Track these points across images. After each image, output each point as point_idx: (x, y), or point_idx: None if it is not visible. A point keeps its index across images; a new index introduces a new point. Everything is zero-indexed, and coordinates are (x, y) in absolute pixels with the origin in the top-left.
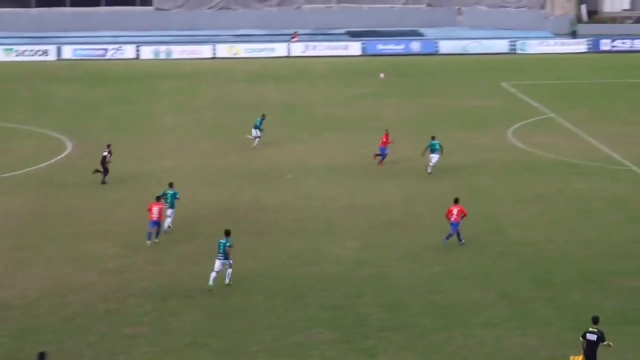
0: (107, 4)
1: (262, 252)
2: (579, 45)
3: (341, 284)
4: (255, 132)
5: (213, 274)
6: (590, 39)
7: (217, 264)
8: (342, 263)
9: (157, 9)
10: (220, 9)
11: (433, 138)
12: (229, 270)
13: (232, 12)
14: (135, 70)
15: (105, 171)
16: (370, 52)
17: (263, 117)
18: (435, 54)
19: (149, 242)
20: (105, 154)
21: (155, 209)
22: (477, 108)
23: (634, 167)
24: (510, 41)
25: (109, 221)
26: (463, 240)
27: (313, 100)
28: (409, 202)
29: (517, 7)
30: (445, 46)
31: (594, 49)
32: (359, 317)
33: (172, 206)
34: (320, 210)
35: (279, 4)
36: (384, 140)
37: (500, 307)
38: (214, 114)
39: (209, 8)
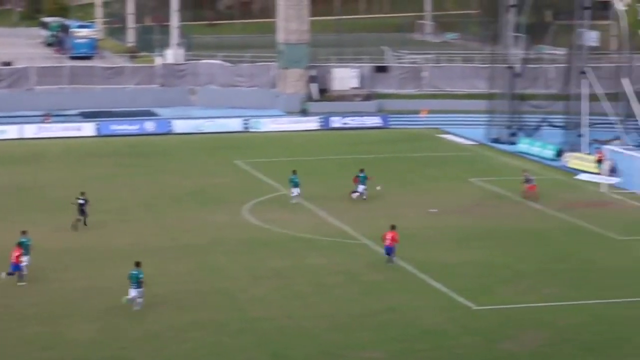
0: None
1: None
2: (311, 123)
3: None
4: None
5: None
6: (322, 116)
7: (132, 293)
8: (80, 347)
9: None
10: None
11: None
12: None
13: None
14: None
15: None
16: (104, 132)
17: None
18: (169, 133)
19: None
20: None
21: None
22: (211, 186)
23: (365, 241)
24: (244, 119)
25: None
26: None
27: (47, 182)
28: (146, 283)
29: (249, 86)
30: (179, 125)
31: (325, 126)
32: None
33: None
34: (57, 293)
35: (9, 86)
36: None
37: None
38: None
39: None
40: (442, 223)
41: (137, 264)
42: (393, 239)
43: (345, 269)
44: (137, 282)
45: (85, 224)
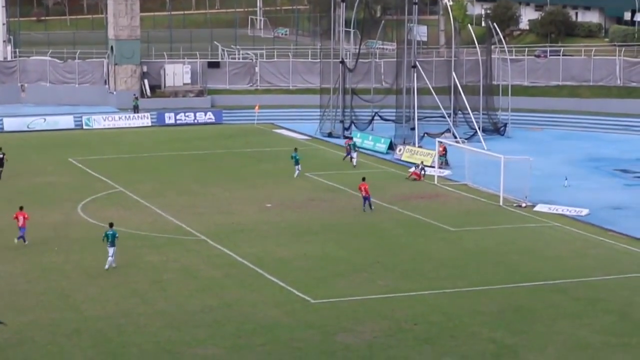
0: None
1: None
2: (144, 120)
3: None
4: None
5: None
6: (155, 113)
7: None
8: None
9: None
10: None
11: None
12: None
13: None
14: None
15: None
16: None
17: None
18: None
19: None
20: None
21: None
22: (45, 185)
23: (202, 237)
24: (75, 117)
25: None
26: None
27: None
28: None
29: (80, 83)
30: (9, 123)
31: (159, 122)
32: None
33: None
34: None
35: None
36: None
37: None
38: None
39: None
40: (277, 218)
41: (111, 225)
42: (366, 191)
43: (182, 265)
44: (113, 241)
45: None
